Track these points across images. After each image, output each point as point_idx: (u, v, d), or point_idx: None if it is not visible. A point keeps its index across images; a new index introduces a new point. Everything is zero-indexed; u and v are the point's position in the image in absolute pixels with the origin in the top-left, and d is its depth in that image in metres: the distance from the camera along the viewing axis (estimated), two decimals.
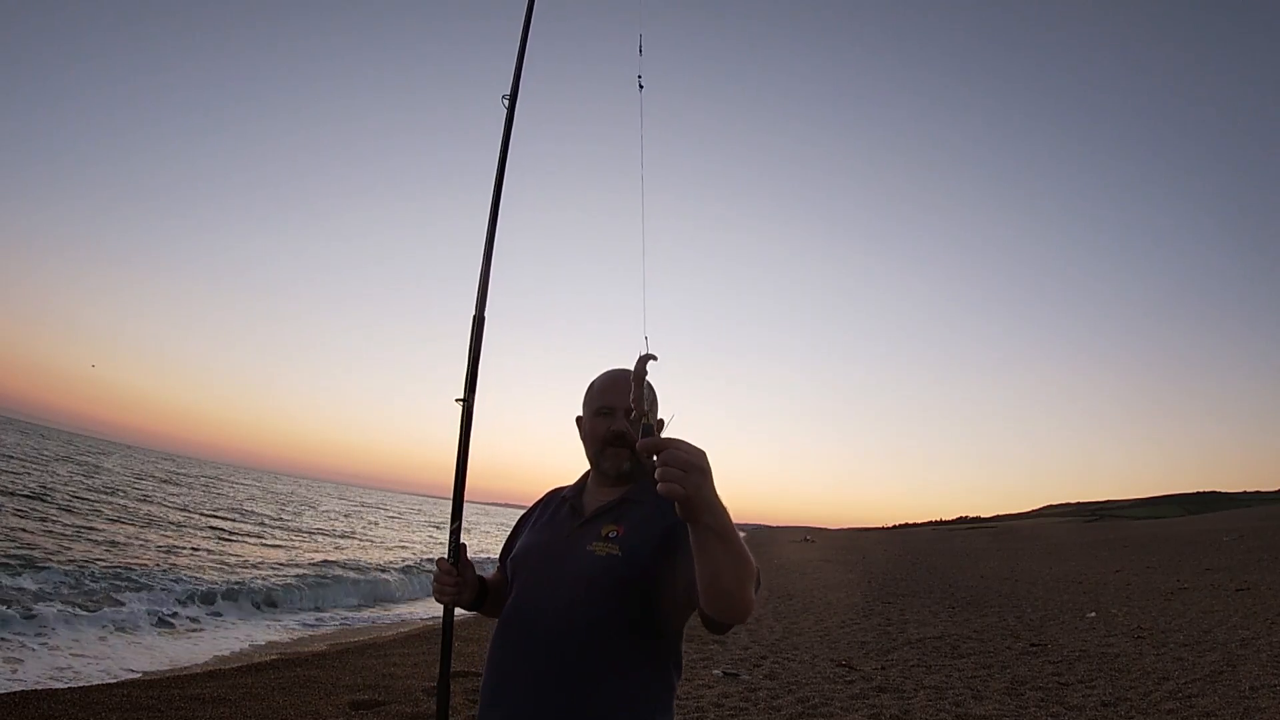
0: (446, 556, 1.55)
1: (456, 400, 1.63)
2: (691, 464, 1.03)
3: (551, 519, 1.53)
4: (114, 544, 13.27)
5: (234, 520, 22.90)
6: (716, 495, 1.07)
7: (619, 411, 1.46)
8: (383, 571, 14.94)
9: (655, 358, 1.28)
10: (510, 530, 1.67)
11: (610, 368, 1.56)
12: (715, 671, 6.10)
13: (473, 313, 1.68)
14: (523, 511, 1.69)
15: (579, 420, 1.57)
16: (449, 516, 1.61)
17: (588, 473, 1.57)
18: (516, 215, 1.76)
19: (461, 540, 1.57)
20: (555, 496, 1.60)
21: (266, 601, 10.28)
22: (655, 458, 1.05)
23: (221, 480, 56.77)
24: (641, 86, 1.57)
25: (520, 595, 1.43)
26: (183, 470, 61.74)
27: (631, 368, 1.56)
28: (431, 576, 1.59)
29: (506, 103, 1.81)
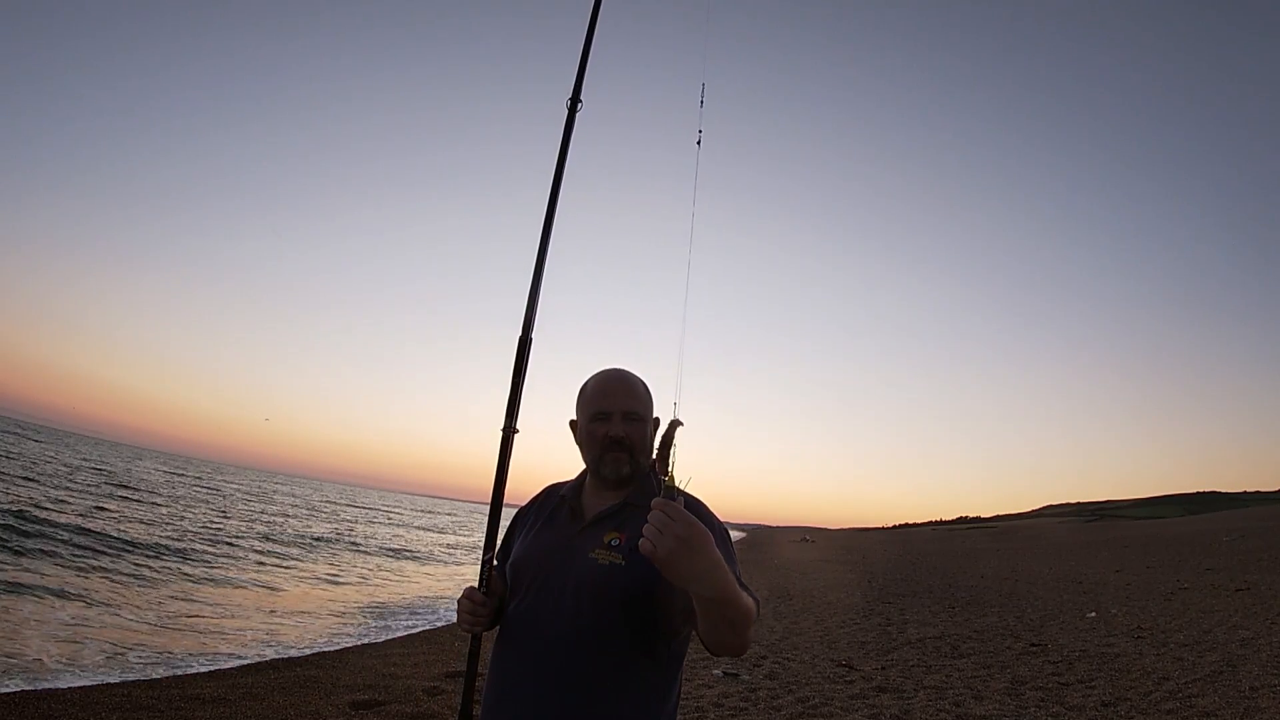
0: (478, 587, 1.47)
1: (501, 430, 1.56)
2: (671, 530, 1.05)
3: (550, 520, 1.50)
4: None
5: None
6: (709, 567, 1.09)
7: (615, 415, 1.44)
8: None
9: (682, 423, 1.27)
10: (508, 527, 1.62)
11: (603, 368, 1.53)
12: (715, 671, 6.10)
13: (518, 334, 1.61)
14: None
15: (573, 424, 1.53)
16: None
17: (585, 470, 1.53)
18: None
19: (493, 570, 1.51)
20: (553, 494, 1.56)
21: None
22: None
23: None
24: (699, 144, 1.54)
25: (522, 602, 1.41)
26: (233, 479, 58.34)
27: (634, 371, 1.55)
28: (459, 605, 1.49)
29: (568, 104, 1.78)
